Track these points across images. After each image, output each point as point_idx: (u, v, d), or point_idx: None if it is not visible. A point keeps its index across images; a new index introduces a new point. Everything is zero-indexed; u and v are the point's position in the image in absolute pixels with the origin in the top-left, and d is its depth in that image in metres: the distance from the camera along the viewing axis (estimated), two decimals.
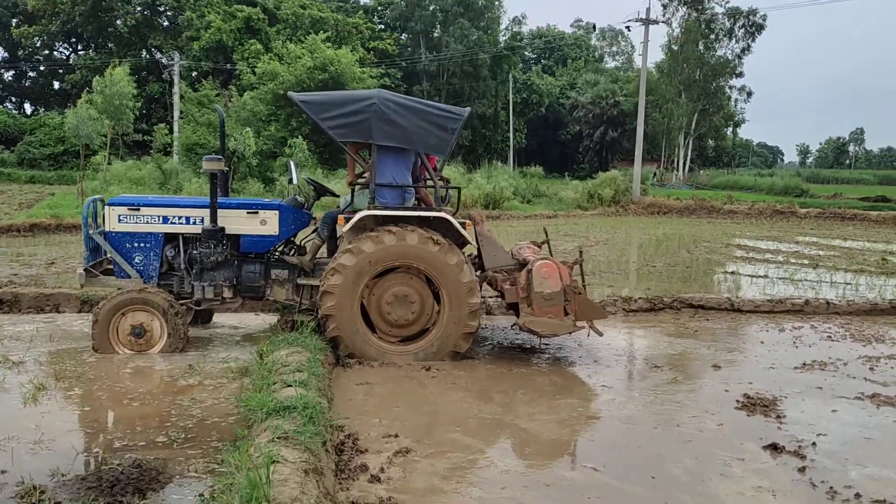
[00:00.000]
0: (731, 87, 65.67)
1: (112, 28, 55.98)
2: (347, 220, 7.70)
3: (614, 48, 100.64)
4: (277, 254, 8.39)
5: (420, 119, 7.71)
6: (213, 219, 7.91)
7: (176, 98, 44.73)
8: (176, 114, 43.76)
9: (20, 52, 58.62)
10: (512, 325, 8.20)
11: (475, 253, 8.65)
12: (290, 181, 8.33)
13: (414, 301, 7.83)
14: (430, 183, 8.17)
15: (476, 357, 8.06)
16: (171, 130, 38.98)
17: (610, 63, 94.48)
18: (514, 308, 8.31)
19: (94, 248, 8.10)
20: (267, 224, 8.13)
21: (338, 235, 8.45)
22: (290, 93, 8.06)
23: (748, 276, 14.84)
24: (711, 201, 34.97)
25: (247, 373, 6.91)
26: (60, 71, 58.93)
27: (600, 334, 7.90)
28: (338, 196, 8.95)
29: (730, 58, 60.07)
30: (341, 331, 7.64)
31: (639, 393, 6.86)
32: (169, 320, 7.64)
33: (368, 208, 7.69)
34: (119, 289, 7.91)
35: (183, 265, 8.10)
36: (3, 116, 49.11)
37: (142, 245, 8.01)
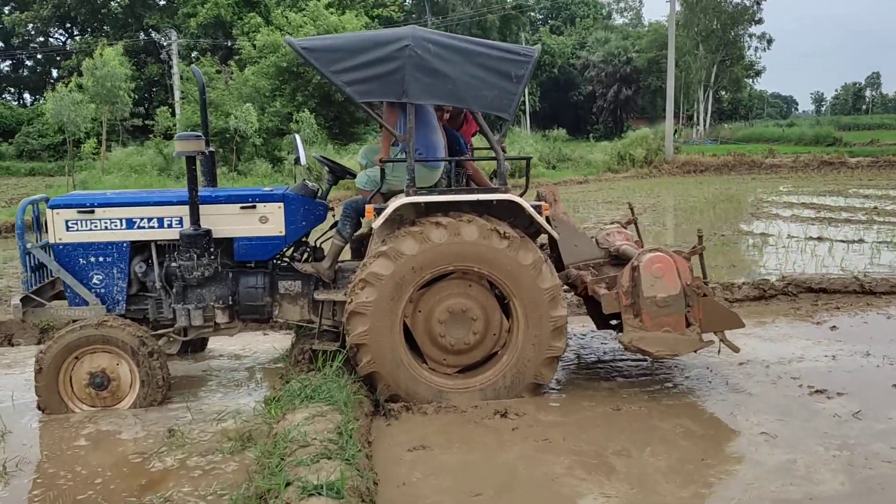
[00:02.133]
0: (750, 36, 62.98)
1: (106, 9, 53.69)
2: (378, 211, 5.54)
3: (622, 4, 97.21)
4: (286, 261, 6.27)
5: (473, 65, 5.51)
6: (195, 219, 5.79)
7: (175, 79, 42.47)
8: (177, 95, 41.56)
9: (14, 41, 56.41)
10: (615, 337, 5.99)
11: (545, 243, 6.49)
12: (297, 161, 6.14)
13: (476, 317, 5.69)
14: (482, 154, 6.00)
15: (562, 387, 5.90)
16: (173, 113, 36.86)
17: (618, 20, 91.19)
18: (605, 318, 6.16)
19: (38, 267, 5.99)
20: (269, 221, 5.99)
21: (367, 231, 6.32)
22: (287, 38, 5.85)
23: (841, 241, 12.58)
24: (751, 156, 32.51)
25: (250, 440, 4.81)
26: (57, 58, 56.71)
27: (736, 350, 5.73)
28: (354, 175, 6.79)
29: (748, 4, 57.23)
30: (379, 365, 5.52)
31: (822, 446, 4.69)
32: (140, 363, 5.54)
33: (406, 193, 5.53)
34: (74, 321, 5.81)
35: (158, 283, 5.98)
36: (0, 108, 47.04)
37: (101, 260, 5.89)
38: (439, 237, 5.46)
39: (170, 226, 5.92)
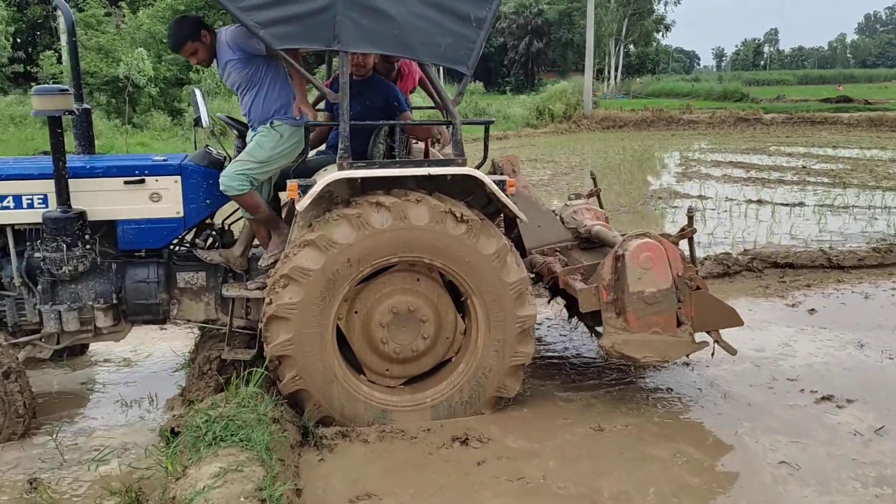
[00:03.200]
0: None
1: None
2: (304, 189, 4.37)
3: None
4: (186, 248, 5.04)
5: (423, 4, 4.35)
6: (64, 197, 4.49)
7: (61, 21, 39.16)
8: (63, 39, 38.31)
9: None
10: (599, 344, 5.04)
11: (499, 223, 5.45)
12: (197, 122, 4.88)
13: (425, 319, 4.64)
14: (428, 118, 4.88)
15: (526, 398, 4.92)
16: (59, 59, 33.85)
17: None
18: (583, 315, 5.20)
19: None
20: (163, 199, 4.73)
21: (290, 212, 5.15)
22: None
23: (782, 205, 12.04)
24: (669, 111, 32.12)
25: (140, 497, 3.65)
26: None
27: (733, 352, 4.87)
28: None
29: None
30: (307, 381, 4.41)
31: (857, 480, 3.86)
32: None
33: (340, 165, 4.38)
34: None
35: (18, 279, 4.68)
36: None
37: None
38: (381, 221, 4.35)
39: (30, 206, 4.60)
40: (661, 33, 78.32)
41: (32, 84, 30.74)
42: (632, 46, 75.03)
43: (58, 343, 4.81)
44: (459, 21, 4.39)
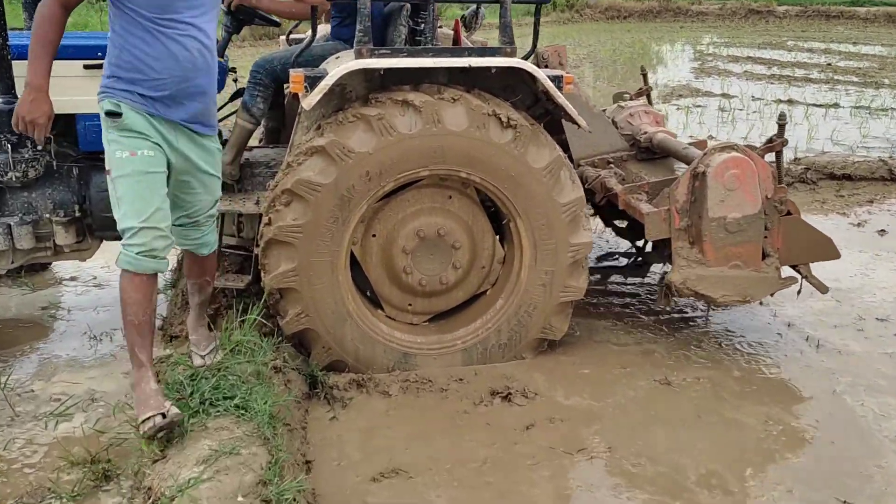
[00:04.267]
0: None
1: None
2: (312, 80, 3.43)
3: None
4: None
5: None
6: (6, 84, 3.56)
7: None
8: None
9: None
10: (664, 277, 4.22)
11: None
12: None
13: (458, 245, 3.81)
14: None
15: (571, 340, 4.14)
16: None
17: None
18: (644, 243, 4.39)
19: None
20: None
21: (292, 111, 4.25)
22: None
23: (815, 105, 11.11)
24: (676, 2, 30.48)
25: (107, 472, 2.89)
26: None
27: (825, 290, 4.09)
28: (278, 24, 4.50)
29: None
30: (315, 320, 3.61)
31: None
32: None
33: (358, 52, 3.43)
34: None
35: None
36: None
37: None
38: (409, 125, 3.45)
39: None
40: None
41: None
42: None
43: (11, 263, 3.96)
44: None
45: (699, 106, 11.07)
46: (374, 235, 3.75)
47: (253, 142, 4.49)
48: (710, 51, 18.69)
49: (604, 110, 4.95)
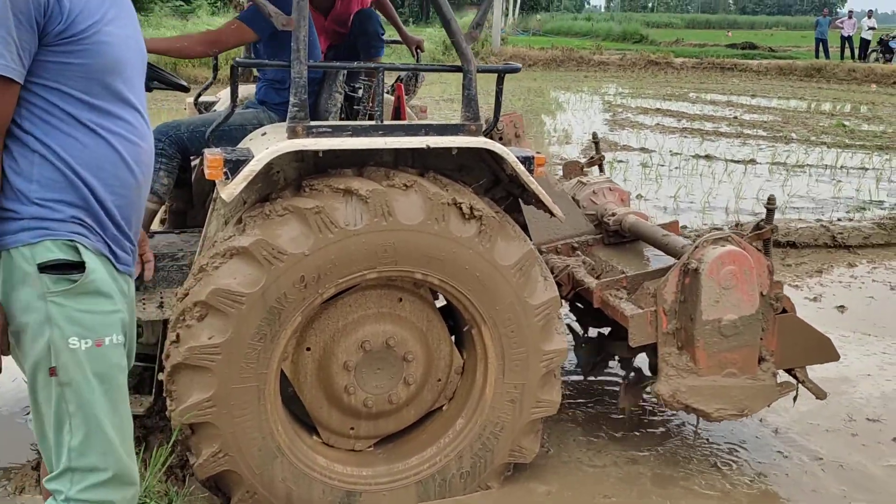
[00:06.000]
0: None
1: None
2: (233, 164, 2.75)
3: None
4: None
5: None
6: None
7: None
8: None
9: None
10: (651, 389, 3.67)
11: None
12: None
13: (410, 356, 3.16)
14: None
15: (549, 456, 3.54)
16: None
17: None
18: (618, 344, 3.85)
19: None
20: None
21: (202, 189, 3.56)
22: None
23: (733, 161, 11.05)
24: (579, 52, 30.95)
25: None
26: None
27: (823, 395, 3.63)
28: (187, 89, 3.76)
29: None
30: (237, 460, 2.89)
31: None
32: None
33: (293, 130, 2.78)
34: None
35: None
36: None
37: None
38: (353, 219, 2.81)
39: None
40: None
41: None
42: None
43: None
44: None
45: (620, 161, 10.82)
46: (308, 349, 3.07)
47: (155, 225, 3.77)
48: (619, 101, 18.77)
49: (557, 176, 4.45)
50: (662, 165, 10.70)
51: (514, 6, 59.02)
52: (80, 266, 1.83)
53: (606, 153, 11.16)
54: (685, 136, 13.36)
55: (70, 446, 1.84)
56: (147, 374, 3.41)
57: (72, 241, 1.83)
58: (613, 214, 3.95)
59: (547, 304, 3.14)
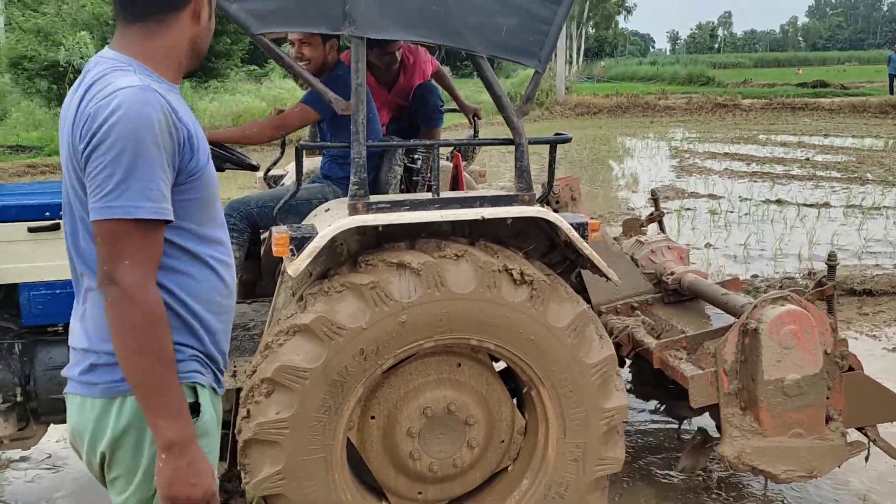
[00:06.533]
0: None
1: None
2: (298, 241, 2.91)
3: None
4: None
5: None
6: None
7: (0, 3, 36.59)
8: (1, 20, 35.80)
9: None
10: (716, 450, 3.63)
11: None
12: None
13: (472, 420, 3.23)
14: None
15: None
16: None
17: None
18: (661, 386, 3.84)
19: None
20: None
21: (270, 262, 3.73)
22: None
23: (806, 206, 10.84)
24: (644, 97, 30.91)
25: None
26: None
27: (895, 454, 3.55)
28: (256, 167, 4.00)
29: None
30: None
31: None
32: None
33: (354, 207, 2.93)
34: None
35: None
36: None
37: None
38: (407, 292, 2.92)
39: None
40: (622, 16, 77.48)
41: None
42: (591, 29, 74.01)
43: None
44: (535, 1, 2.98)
45: (688, 209, 10.75)
46: (372, 417, 3.16)
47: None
48: (686, 147, 18.64)
49: (615, 240, 4.48)
50: (731, 212, 10.58)
51: (579, 54, 59.45)
52: (196, 409, 1.84)
53: (673, 201, 11.23)
54: (755, 181, 13.18)
55: None
56: (222, 440, 3.55)
57: (193, 382, 1.85)
58: (672, 273, 3.97)
59: (604, 363, 3.18)
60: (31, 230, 3.19)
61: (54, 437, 4.25)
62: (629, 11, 75.91)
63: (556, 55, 32.92)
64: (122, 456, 1.79)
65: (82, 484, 3.96)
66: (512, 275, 3.02)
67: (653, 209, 4.79)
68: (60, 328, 3.33)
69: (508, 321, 3.04)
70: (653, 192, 4.89)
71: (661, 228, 4.80)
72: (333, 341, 2.85)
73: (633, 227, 4.69)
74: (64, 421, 3.31)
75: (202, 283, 1.85)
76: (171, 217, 1.70)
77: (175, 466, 1.69)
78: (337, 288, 2.92)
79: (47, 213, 3.21)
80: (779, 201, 11.23)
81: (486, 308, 3.00)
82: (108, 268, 1.67)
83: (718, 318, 3.85)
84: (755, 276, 7.01)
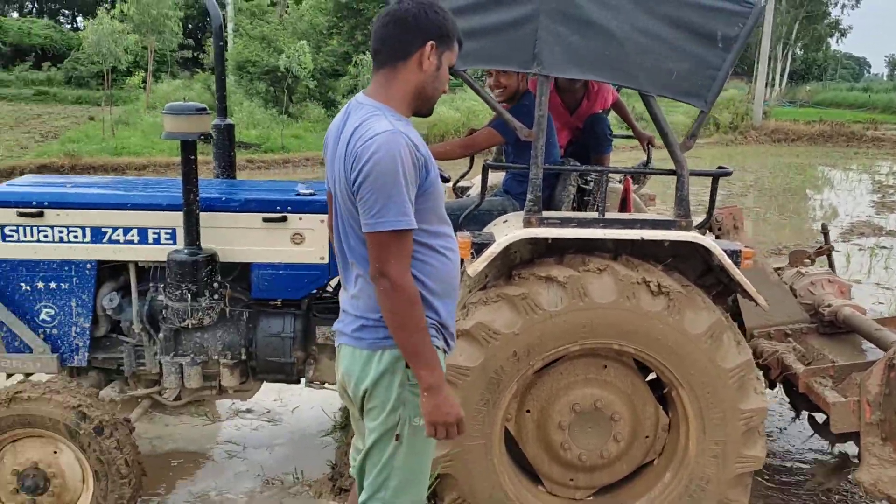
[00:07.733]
0: None
1: None
2: (478, 248, 3.42)
3: None
4: (329, 297, 4.22)
5: (651, 16, 3.31)
6: (192, 236, 3.76)
7: (229, 9, 40.27)
8: (230, 27, 39.39)
9: None
10: (852, 477, 3.78)
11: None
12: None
13: (617, 417, 3.61)
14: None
15: None
16: (225, 46, 34.61)
17: None
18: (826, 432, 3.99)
19: None
20: (306, 241, 3.92)
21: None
22: None
23: None
24: (850, 126, 29.15)
25: None
26: None
27: None
28: (448, 179, 4.59)
29: None
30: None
31: None
32: (87, 447, 3.55)
33: (528, 221, 3.41)
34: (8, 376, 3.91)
35: (138, 325, 3.98)
36: (50, 31, 45.29)
37: (52, 286, 3.91)
38: (552, 301, 3.37)
39: (156, 241, 3.90)
40: (835, 38, 72.79)
41: (198, 71, 31.68)
42: (799, 51, 70.16)
43: (178, 399, 4.12)
44: (700, 40, 3.33)
45: (883, 247, 10.32)
46: (527, 411, 3.64)
47: None
48: (891, 182, 17.62)
49: (779, 269, 4.65)
50: None
51: (783, 76, 56.51)
52: None
53: (868, 238, 10.81)
54: None
55: (388, 486, 2.49)
56: None
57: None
58: (829, 305, 4.13)
59: (741, 367, 3.47)
60: (265, 220, 3.90)
61: (271, 396, 5.06)
62: (843, 34, 71.31)
63: (755, 77, 31.79)
64: (378, 392, 2.43)
65: (294, 437, 4.76)
66: (650, 286, 3.39)
67: (821, 243, 4.90)
68: (279, 302, 4.04)
69: (647, 328, 3.40)
70: (823, 227, 5.00)
71: (830, 263, 4.91)
72: (490, 344, 3.36)
73: (800, 258, 4.83)
74: (275, 381, 4.05)
75: (439, 269, 2.46)
76: (416, 225, 2.29)
77: (434, 402, 2.34)
78: (493, 298, 3.42)
79: (278, 208, 3.91)
80: None
81: (625, 316, 3.39)
82: (379, 265, 2.28)
83: (874, 353, 3.97)
84: None
